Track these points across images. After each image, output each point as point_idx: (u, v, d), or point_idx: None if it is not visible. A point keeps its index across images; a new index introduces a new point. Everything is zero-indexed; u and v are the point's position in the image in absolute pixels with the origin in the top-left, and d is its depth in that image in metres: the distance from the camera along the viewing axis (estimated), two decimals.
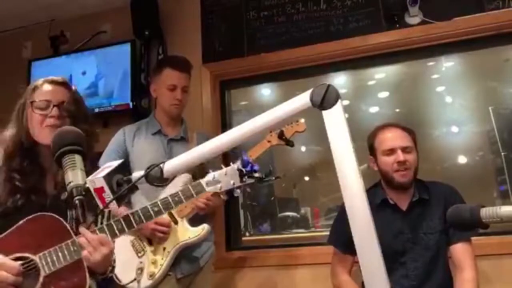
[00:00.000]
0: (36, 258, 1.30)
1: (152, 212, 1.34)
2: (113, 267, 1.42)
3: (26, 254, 1.29)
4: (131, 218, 1.32)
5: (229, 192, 1.12)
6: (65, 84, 1.50)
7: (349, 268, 2.01)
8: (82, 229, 1.26)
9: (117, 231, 1.32)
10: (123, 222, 1.32)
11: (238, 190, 1.11)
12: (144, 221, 1.33)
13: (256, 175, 1.05)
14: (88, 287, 1.29)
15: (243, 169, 1.05)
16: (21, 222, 1.33)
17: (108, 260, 1.31)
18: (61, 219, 1.33)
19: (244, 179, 1.07)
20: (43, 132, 1.42)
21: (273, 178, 1.32)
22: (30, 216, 1.33)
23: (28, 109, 1.45)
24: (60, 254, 1.29)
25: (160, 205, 1.35)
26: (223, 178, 1.09)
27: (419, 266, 1.86)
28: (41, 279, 1.28)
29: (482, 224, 0.84)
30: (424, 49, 2.67)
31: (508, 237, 2.30)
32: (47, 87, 1.47)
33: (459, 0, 2.57)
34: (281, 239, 2.95)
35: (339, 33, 2.75)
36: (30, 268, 1.29)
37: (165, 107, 2.31)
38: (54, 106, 1.43)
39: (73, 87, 1.52)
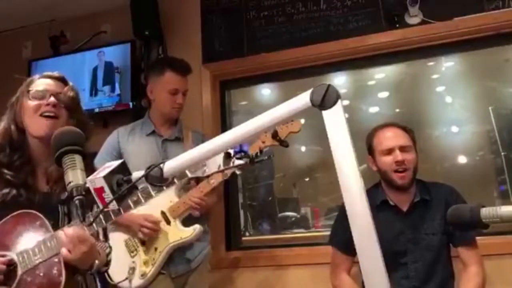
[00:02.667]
0: (14, 256, 1.31)
1: (131, 203, 1.33)
2: (109, 261, 1.43)
3: (5, 252, 1.31)
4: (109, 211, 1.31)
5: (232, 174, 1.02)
6: (61, 79, 1.50)
7: (349, 268, 2.01)
8: (64, 229, 1.27)
9: (95, 225, 1.32)
10: (101, 216, 1.32)
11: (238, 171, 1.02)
12: (122, 212, 1.31)
13: (245, 155, 0.99)
14: (64, 283, 1.29)
15: (231, 151, 1.00)
16: (2, 220, 1.34)
17: (90, 256, 1.31)
18: (41, 215, 1.34)
19: (232, 161, 1.01)
20: (38, 121, 1.40)
21: (265, 158, 1.27)
22: (12, 214, 1.34)
23: (23, 99, 1.43)
24: (37, 250, 1.31)
25: (139, 195, 1.33)
26: (208, 162, 1.03)
27: (420, 267, 1.86)
28: (18, 276, 1.29)
29: (482, 224, 0.84)
30: (424, 49, 2.67)
31: (509, 237, 2.30)
32: (44, 80, 1.47)
33: (459, 0, 2.57)
34: (281, 239, 2.95)
35: (339, 33, 2.75)
36: (9, 265, 1.30)
37: (164, 110, 2.29)
38: (51, 95, 1.42)
39: (70, 83, 1.52)
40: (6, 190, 1.38)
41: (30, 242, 1.32)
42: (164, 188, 1.33)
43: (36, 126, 1.40)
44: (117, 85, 3.09)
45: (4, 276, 1.28)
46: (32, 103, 1.41)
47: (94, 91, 3.14)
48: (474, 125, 2.97)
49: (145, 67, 3.05)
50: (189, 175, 1.12)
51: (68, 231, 1.26)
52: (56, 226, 1.35)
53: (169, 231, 2.05)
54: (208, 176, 1.06)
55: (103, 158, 2.13)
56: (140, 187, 1.33)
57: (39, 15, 3.28)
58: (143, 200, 1.32)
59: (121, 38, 3.12)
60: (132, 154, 2.21)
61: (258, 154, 1.17)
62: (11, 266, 1.30)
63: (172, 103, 2.26)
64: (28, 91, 1.43)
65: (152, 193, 1.32)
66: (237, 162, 1.00)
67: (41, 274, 1.30)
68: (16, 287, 1.29)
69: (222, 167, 1.01)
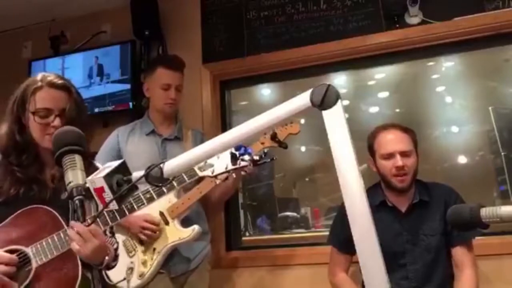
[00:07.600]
0: (28, 250, 1.31)
1: (144, 199, 1.34)
2: (117, 256, 1.43)
3: (18, 247, 1.32)
4: (123, 206, 1.32)
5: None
6: (65, 88, 1.46)
7: (347, 267, 2.02)
8: (72, 222, 1.27)
9: (109, 220, 1.34)
10: (115, 211, 1.32)
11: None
12: (136, 208, 1.32)
13: (249, 157, 1.03)
14: (80, 277, 1.29)
15: (236, 152, 1.03)
16: (14, 214, 1.35)
17: (102, 251, 1.30)
18: (53, 210, 1.35)
19: (238, 162, 1.04)
20: (45, 139, 1.41)
21: (268, 159, 1.28)
22: (23, 209, 1.35)
23: (28, 114, 1.42)
24: (51, 244, 1.31)
25: (152, 192, 1.34)
26: (215, 162, 1.06)
27: (419, 268, 1.86)
28: (33, 270, 1.30)
29: (482, 224, 0.84)
30: (424, 49, 2.67)
31: (509, 237, 2.29)
32: (48, 91, 1.43)
33: (459, 0, 2.57)
34: (281, 239, 2.95)
35: (339, 33, 2.74)
36: (23, 260, 1.30)
37: (158, 106, 2.30)
38: (56, 116, 1.40)
39: (73, 90, 1.49)
40: (18, 185, 1.39)
41: (43, 236, 1.32)
42: (165, 191, 1.35)
43: (43, 142, 1.42)
44: (117, 85, 3.08)
45: (17, 271, 1.28)
46: (38, 124, 1.41)
47: (94, 91, 3.13)
48: (474, 125, 2.97)
49: (145, 67, 3.05)
50: (199, 174, 1.14)
51: (79, 226, 1.25)
52: (67, 222, 1.35)
53: (168, 232, 2.05)
54: (216, 176, 1.09)
55: (102, 159, 2.13)
56: (142, 189, 1.35)
57: (39, 15, 3.28)
58: (145, 203, 1.34)
59: (121, 38, 3.12)
60: (132, 154, 2.21)
61: (262, 156, 1.19)
62: (25, 260, 1.30)
63: (165, 98, 2.27)
64: (34, 112, 1.40)
65: (155, 196, 1.34)
66: (242, 163, 1.03)
67: (57, 268, 1.30)
68: (31, 282, 1.29)
69: (229, 168, 1.04)
